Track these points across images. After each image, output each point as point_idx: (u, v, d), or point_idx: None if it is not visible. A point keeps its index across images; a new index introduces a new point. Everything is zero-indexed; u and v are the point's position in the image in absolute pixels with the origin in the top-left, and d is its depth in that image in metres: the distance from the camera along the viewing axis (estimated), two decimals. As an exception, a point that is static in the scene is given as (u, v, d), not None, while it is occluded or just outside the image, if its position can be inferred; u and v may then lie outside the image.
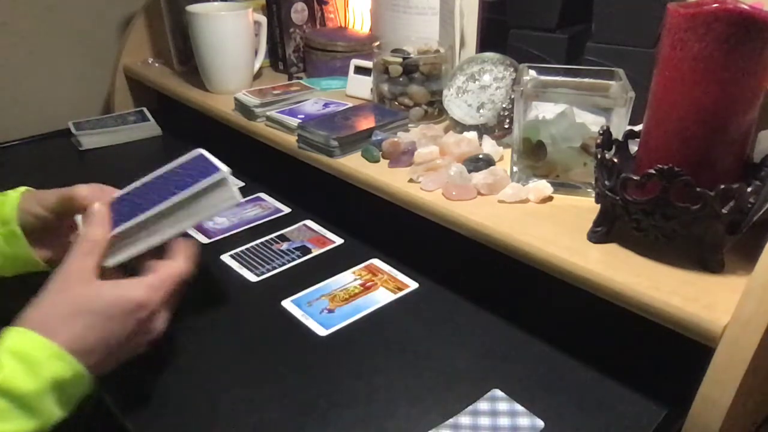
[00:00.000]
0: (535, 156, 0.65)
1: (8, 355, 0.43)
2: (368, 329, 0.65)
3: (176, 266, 0.53)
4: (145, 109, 1.20)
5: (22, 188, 0.62)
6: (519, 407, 0.54)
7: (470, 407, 0.54)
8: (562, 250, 0.55)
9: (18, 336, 0.45)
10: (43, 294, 0.48)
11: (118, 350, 0.49)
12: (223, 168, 0.55)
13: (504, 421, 0.53)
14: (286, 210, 0.89)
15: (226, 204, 0.55)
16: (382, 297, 0.69)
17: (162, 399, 0.56)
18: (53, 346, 0.45)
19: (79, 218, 0.60)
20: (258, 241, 0.81)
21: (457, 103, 0.80)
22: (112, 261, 0.54)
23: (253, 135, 0.90)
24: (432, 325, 0.65)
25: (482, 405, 0.55)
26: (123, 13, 1.24)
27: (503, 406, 0.54)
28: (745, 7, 0.45)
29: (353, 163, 0.75)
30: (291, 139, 0.83)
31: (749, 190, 0.49)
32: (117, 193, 0.60)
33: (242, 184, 0.97)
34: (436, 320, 0.66)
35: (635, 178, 0.51)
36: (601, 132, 0.57)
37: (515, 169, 0.67)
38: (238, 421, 0.54)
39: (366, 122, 0.80)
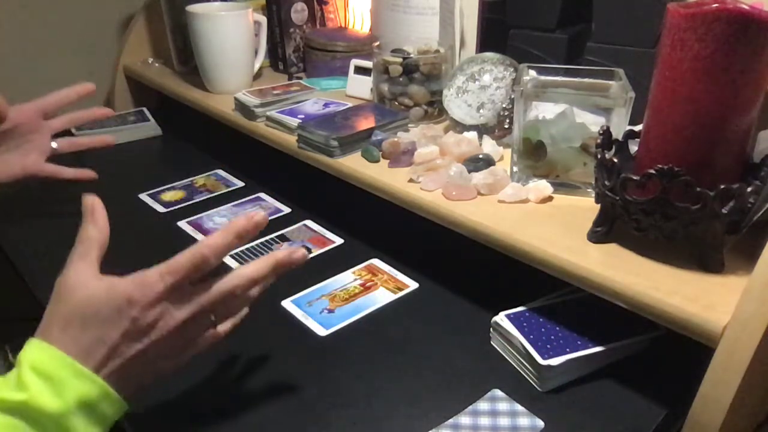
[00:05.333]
0: (535, 156, 0.65)
1: (31, 372, 0.42)
2: (368, 329, 0.65)
3: (174, 262, 0.48)
4: (145, 109, 1.20)
5: None
6: (519, 407, 0.54)
7: (470, 407, 0.54)
8: (562, 250, 0.55)
9: (38, 351, 0.44)
10: (49, 303, 0.47)
11: (122, 353, 0.46)
12: None
13: (504, 421, 0.53)
14: (286, 210, 0.89)
15: None
16: (382, 297, 0.69)
17: (162, 399, 0.56)
18: (75, 365, 0.43)
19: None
20: (258, 241, 0.81)
21: (457, 103, 0.80)
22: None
23: (253, 135, 0.90)
24: (432, 325, 0.65)
25: (482, 405, 0.55)
26: (123, 13, 1.24)
27: (503, 406, 0.54)
28: (745, 7, 0.45)
29: (353, 163, 0.75)
30: (291, 139, 0.83)
31: (749, 190, 0.49)
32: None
33: (243, 184, 0.98)
34: (436, 320, 0.66)
35: (635, 178, 0.51)
36: (601, 132, 0.57)
37: (515, 169, 0.67)
38: (238, 421, 0.54)
39: (366, 122, 0.80)
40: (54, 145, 0.86)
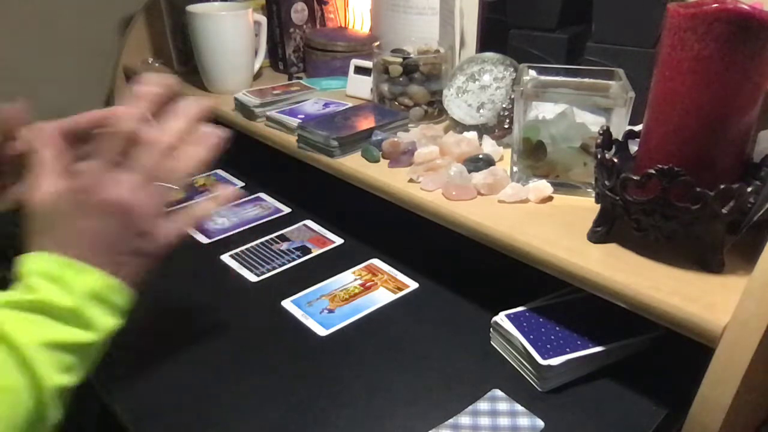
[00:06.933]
0: (535, 156, 0.65)
1: (36, 276, 0.44)
2: (368, 329, 0.65)
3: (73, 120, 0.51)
4: (145, 109, 1.20)
5: None
6: (519, 407, 0.54)
7: (470, 407, 0.54)
8: (562, 250, 0.55)
9: (34, 259, 0.46)
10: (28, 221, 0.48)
11: (89, 234, 0.47)
12: None
13: (504, 421, 0.53)
14: (286, 210, 0.89)
15: None
16: (382, 297, 0.69)
17: (163, 399, 0.56)
18: (73, 262, 0.45)
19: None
20: (258, 241, 0.81)
21: (457, 103, 0.80)
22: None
23: (253, 135, 0.90)
24: (432, 325, 0.65)
25: (482, 405, 0.55)
26: (123, 13, 1.24)
27: (503, 406, 0.54)
28: (745, 7, 0.45)
29: (353, 163, 0.75)
30: (291, 139, 0.83)
31: (749, 190, 0.49)
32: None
33: (242, 184, 0.98)
34: (436, 320, 0.66)
35: (635, 178, 0.51)
36: (601, 132, 0.57)
37: (515, 169, 0.67)
38: (238, 421, 0.54)
39: (366, 122, 0.80)
40: None
